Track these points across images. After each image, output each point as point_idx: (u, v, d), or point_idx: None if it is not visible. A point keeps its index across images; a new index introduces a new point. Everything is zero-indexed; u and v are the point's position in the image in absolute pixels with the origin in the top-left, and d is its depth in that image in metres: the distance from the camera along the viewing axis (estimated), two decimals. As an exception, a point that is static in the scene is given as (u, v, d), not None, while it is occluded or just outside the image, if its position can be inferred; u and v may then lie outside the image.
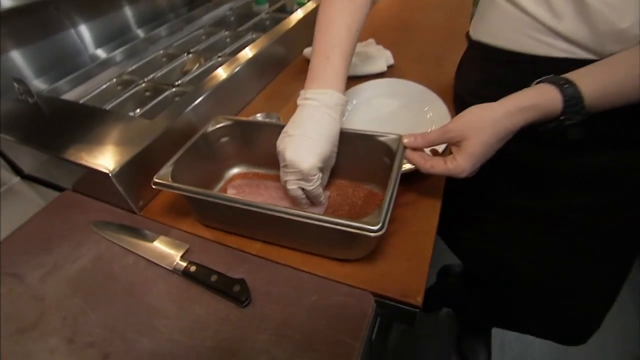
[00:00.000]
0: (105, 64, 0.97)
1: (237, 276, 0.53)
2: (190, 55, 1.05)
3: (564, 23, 0.50)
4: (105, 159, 0.62)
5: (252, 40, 1.02)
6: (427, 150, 0.57)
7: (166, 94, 0.88)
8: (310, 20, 1.05)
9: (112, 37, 1.04)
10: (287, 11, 1.37)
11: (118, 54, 1.00)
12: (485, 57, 0.66)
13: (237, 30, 1.17)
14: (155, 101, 0.86)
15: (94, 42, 1.00)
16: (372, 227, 0.41)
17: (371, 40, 1.08)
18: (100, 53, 1.00)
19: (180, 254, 0.57)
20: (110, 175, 0.60)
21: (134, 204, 0.65)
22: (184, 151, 0.59)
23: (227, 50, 1.06)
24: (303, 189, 0.55)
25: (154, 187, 0.54)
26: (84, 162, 0.62)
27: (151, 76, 0.95)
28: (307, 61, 0.90)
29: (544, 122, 0.48)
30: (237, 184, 0.66)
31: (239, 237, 0.59)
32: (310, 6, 1.16)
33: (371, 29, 1.20)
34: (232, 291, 0.50)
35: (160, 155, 0.60)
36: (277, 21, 1.14)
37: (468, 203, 0.81)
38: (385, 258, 0.53)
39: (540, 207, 0.69)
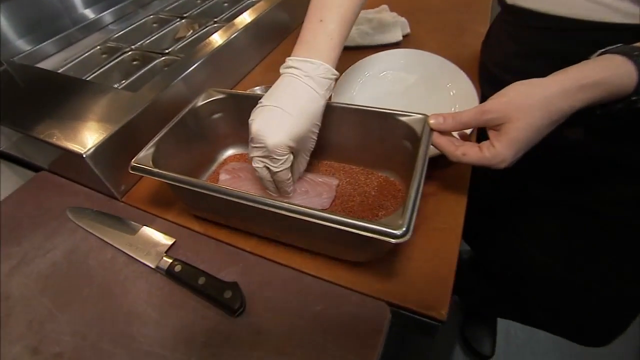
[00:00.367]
0: (88, 29, 0.87)
1: (229, 278, 0.45)
2: (184, 20, 0.95)
3: None
4: (80, 138, 0.54)
5: (252, 4, 0.91)
6: (455, 134, 0.48)
7: (155, 62, 0.79)
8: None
9: (96, -1, 0.94)
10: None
11: (103, 17, 0.90)
12: (524, 25, 0.56)
13: (235, -7, 1.06)
14: (143, 71, 0.77)
15: (77, 3, 0.90)
16: (394, 231, 0.33)
17: (384, 7, 0.97)
18: (84, 15, 0.90)
19: (164, 249, 0.50)
20: (84, 156, 0.52)
21: (115, 188, 0.57)
22: (169, 129, 0.50)
23: (224, 16, 0.95)
24: (269, 170, 0.47)
25: (131, 172, 0.46)
26: (55, 142, 0.54)
27: (139, 43, 0.86)
28: (313, 27, 0.80)
29: (607, 103, 0.39)
30: (231, 167, 0.57)
31: (233, 230, 0.51)
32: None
33: (384, -7, 1.09)
34: (223, 297, 0.42)
35: (144, 133, 0.52)
36: (280, -17, 1.02)
37: (486, 189, 0.73)
38: (403, 260, 0.45)
39: (567, 199, 0.63)
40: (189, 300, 0.45)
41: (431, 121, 0.44)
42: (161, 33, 0.90)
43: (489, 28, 0.73)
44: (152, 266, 0.48)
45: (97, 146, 0.53)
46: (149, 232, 0.52)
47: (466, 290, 1.20)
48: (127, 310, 0.45)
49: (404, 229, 0.33)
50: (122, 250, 0.51)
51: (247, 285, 0.44)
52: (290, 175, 0.48)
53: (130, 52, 0.83)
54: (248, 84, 0.78)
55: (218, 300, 0.42)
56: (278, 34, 0.92)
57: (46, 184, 0.63)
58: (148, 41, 0.87)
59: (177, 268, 0.46)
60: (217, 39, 0.74)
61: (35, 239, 0.54)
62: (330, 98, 0.48)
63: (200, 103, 0.55)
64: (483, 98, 0.63)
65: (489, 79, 0.67)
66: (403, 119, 0.46)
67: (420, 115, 0.45)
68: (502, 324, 1.29)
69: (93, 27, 0.88)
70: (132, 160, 0.46)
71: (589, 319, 0.75)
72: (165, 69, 0.78)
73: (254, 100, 0.55)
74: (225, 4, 1.06)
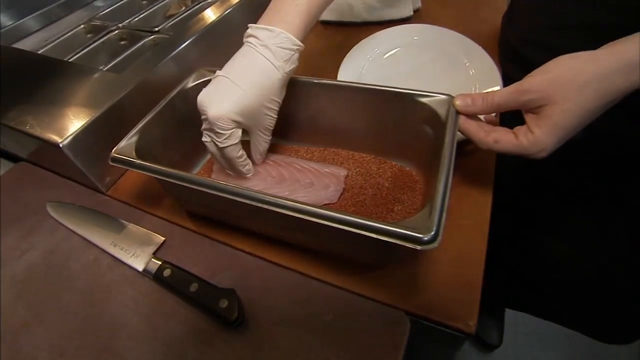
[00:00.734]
0: (71, 6, 0.80)
1: (225, 283, 0.40)
2: (176, -5, 0.87)
3: None
4: (57, 126, 0.48)
5: (250, -23, 0.83)
6: (482, 117, 0.41)
7: (144, 41, 0.72)
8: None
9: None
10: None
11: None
12: None
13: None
14: (131, 51, 0.70)
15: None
16: (422, 236, 0.27)
17: (393, -22, 0.89)
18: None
19: (153, 249, 0.44)
20: (61, 146, 0.46)
21: (98, 181, 0.52)
22: (155, 114, 0.44)
23: (219, -9, 0.87)
24: (216, 145, 0.43)
25: (111, 164, 0.40)
26: (27, 130, 0.48)
27: (127, 21, 0.79)
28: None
29: None
30: (227, 157, 0.51)
31: (229, 228, 0.45)
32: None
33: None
34: (219, 307, 0.37)
35: (130, 118, 0.45)
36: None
37: (507, 180, 0.68)
38: (424, 263, 0.40)
39: (597, 190, 0.58)
40: (180, 309, 0.39)
41: (457, 102, 0.38)
42: (151, 10, 0.83)
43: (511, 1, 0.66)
44: (140, 269, 0.43)
45: (76, 134, 0.47)
46: (136, 230, 0.47)
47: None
48: (111, 320, 0.40)
49: (432, 233, 0.27)
50: (106, 251, 0.45)
51: (245, 292, 0.39)
52: (241, 153, 0.44)
53: (117, 31, 0.77)
54: (245, 65, 0.71)
55: (213, 310, 0.37)
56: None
57: (25, 175, 0.57)
58: (137, 19, 0.80)
59: (167, 272, 0.40)
60: (211, 15, 0.67)
61: (10, 238, 0.49)
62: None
63: (190, 84, 0.49)
64: (505, 78, 0.56)
65: (513, 57, 0.60)
66: (424, 100, 0.40)
67: (444, 96, 0.39)
68: (509, 314, 1.26)
69: (76, 3, 0.81)
70: (112, 151, 0.40)
71: (613, 316, 0.71)
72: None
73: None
74: (221, -22, 0.98)
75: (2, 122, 0.49)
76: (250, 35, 0.41)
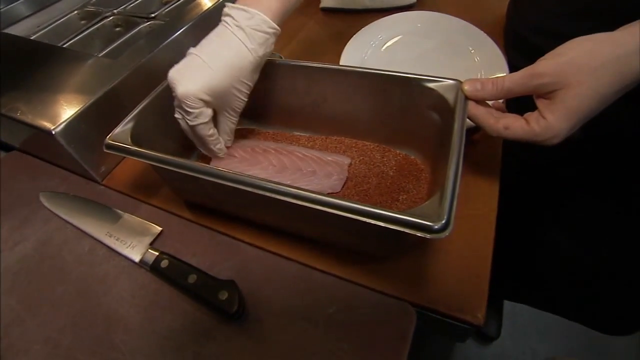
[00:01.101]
0: (64, -10, 0.77)
1: (225, 275, 0.39)
2: (172, -19, 0.85)
3: None
4: (50, 113, 0.46)
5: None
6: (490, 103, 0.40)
7: (139, 28, 0.70)
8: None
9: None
10: None
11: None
12: None
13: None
14: (126, 37, 0.68)
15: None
16: (432, 225, 0.26)
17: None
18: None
19: (150, 240, 0.43)
20: (53, 133, 0.44)
21: (93, 170, 0.50)
22: (151, 100, 0.43)
23: (217, -24, 0.85)
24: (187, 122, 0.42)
25: (106, 151, 0.38)
26: (18, 117, 0.46)
27: (122, 7, 0.76)
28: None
29: None
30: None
31: (229, 218, 0.44)
32: None
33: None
34: (218, 299, 0.35)
35: (126, 105, 0.44)
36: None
37: (511, 170, 0.67)
38: (430, 254, 0.38)
39: (604, 184, 0.57)
40: (178, 301, 0.38)
41: (466, 87, 0.37)
42: (147, -4, 0.81)
43: None
44: (136, 260, 0.41)
45: (69, 121, 0.45)
46: (132, 220, 0.45)
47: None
48: (107, 312, 0.38)
49: (443, 221, 0.26)
50: (101, 242, 0.44)
51: (246, 284, 0.38)
52: (212, 132, 0.43)
53: (112, 17, 0.74)
54: (244, 52, 0.69)
55: (212, 302, 0.36)
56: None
57: (17, 165, 0.56)
58: (132, 5, 0.78)
59: (164, 263, 0.39)
60: (206, 1, 0.66)
61: (2, 230, 0.47)
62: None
63: (188, 70, 0.47)
64: (510, 65, 0.55)
65: (519, 45, 0.59)
66: (431, 85, 0.38)
67: (452, 81, 0.38)
68: (508, 306, 1.27)
69: (69, -12, 0.78)
70: (107, 137, 0.39)
71: (614, 308, 0.71)
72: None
73: (251, 65, 0.47)
74: (218, -35, 0.96)
75: (-7, 108, 0.48)
76: (227, 15, 0.41)
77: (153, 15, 0.72)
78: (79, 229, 0.46)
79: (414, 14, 0.69)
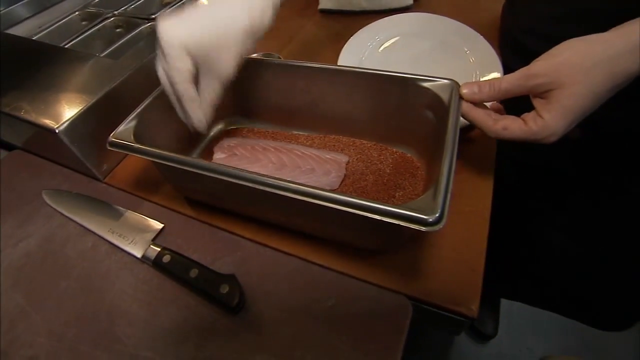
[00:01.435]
0: (65, -8, 0.78)
1: (225, 269, 0.39)
2: (172, -17, 0.86)
3: None
4: (53, 112, 0.47)
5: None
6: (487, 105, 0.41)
7: (140, 29, 0.71)
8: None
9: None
10: None
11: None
12: None
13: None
14: (127, 38, 0.69)
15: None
16: (426, 217, 0.27)
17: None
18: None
19: (152, 236, 0.44)
20: (57, 131, 0.45)
21: (96, 168, 0.51)
22: (153, 99, 0.44)
23: (217, -22, 0.86)
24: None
25: (109, 148, 0.39)
26: (22, 115, 0.47)
27: (123, 8, 0.77)
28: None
29: None
30: (226, 144, 0.51)
31: (229, 214, 0.45)
32: None
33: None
34: (219, 292, 0.36)
35: (127, 104, 0.44)
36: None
37: (505, 168, 0.68)
38: (426, 248, 0.40)
39: (597, 179, 0.57)
40: (181, 295, 0.39)
41: (464, 91, 0.38)
42: (147, -3, 0.82)
43: None
44: (138, 256, 0.42)
45: (73, 120, 0.46)
46: (134, 216, 0.46)
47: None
48: (110, 306, 0.39)
49: (437, 214, 0.27)
50: (104, 238, 0.45)
51: (246, 278, 0.39)
52: (194, 95, 0.40)
53: (112, 18, 0.75)
54: (244, 52, 0.70)
55: (213, 296, 0.37)
56: (276, -2, 0.84)
57: (20, 164, 0.57)
58: (132, 6, 0.79)
59: (166, 258, 0.40)
60: (207, 2, 0.66)
61: (6, 227, 0.48)
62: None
63: (189, 69, 0.48)
64: (505, 68, 0.56)
65: (514, 48, 0.60)
66: (426, 84, 0.39)
67: (447, 81, 0.39)
68: (504, 304, 1.27)
69: (70, -11, 0.79)
70: (111, 135, 0.40)
71: (609, 304, 0.72)
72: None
73: (251, 65, 0.48)
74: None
75: (-4, 107, 0.49)
76: None
77: (154, 16, 0.72)
78: (81, 225, 0.47)
79: (410, 15, 0.70)
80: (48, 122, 0.45)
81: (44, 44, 0.64)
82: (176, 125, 0.47)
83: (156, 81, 0.46)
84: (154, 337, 0.37)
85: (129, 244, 0.43)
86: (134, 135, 0.39)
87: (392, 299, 0.36)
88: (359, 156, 0.48)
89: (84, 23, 0.77)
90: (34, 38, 0.70)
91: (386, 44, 0.65)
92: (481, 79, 0.55)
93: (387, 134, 0.47)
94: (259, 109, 0.52)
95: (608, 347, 1.16)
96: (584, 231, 0.65)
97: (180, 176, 0.41)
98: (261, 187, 0.31)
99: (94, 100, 0.48)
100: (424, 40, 0.65)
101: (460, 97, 0.38)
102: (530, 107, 0.37)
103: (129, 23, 0.74)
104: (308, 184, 0.31)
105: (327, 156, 0.46)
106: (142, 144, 0.38)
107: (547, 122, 0.34)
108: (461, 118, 0.37)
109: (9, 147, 0.60)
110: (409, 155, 0.47)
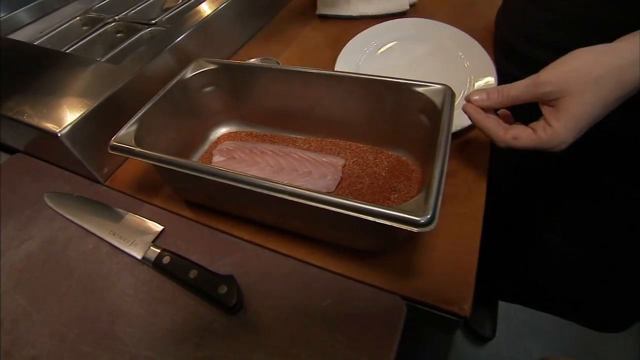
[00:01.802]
0: (66, -3, 0.79)
1: (224, 270, 0.40)
2: (172, -11, 0.87)
3: None
4: (55, 116, 0.48)
5: (246, -29, 0.84)
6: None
7: (140, 34, 0.72)
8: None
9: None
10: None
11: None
12: None
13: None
14: (127, 43, 0.70)
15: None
16: (418, 219, 0.28)
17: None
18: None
19: (152, 237, 0.45)
20: (59, 135, 0.46)
21: (97, 171, 0.52)
22: (154, 104, 0.45)
23: (216, -16, 0.87)
24: None
25: (111, 152, 0.40)
26: (25, 120, 0.48)
27: (123, 14, 0.78)
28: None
29: None
30: (225, 147, 0.52)
31: (228, 216, 0.45)
32: None
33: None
34: (218, 293, 0.37)
35: (128, 109, 0.46)
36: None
37: (499, 171, 0.69)
38: (420, 249, 0.40)
39: (594, 181, 0.58)
40: (180, 295, 0.40)
41: (475, 97, 0.39)
42: (147, 3, 0.83)
43: None
44: (139, 257, 0.43)
45: (74, 124, 0.47)
46: (135, 219, 0.47)
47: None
48: (111, 307, 0.40)
49: (428, 215, 0.28)
50: (105, 240, 0.46)
51: (244, 279, 0.39)
52: None
53: (113, 23, 0.76)
54: (243, 56, 0.71)
55: (212, 296, 0.37)
56: (275, 2, 0.85)
57: (22, 167, 0.57)
58: (133, 11, 0.80)
59: (166, 259, 0.41)
60: (206, 8, 0.68)
61: (8, 229, 0.49)
62: None
63: (189, 75, 0.49)
64: (499, 73, 0.57)
65: (508, 54, 0.61)
66: (420, 89, 0.40)
67: (440, 86, 0.40)
68: (502, 306, 1.28)
69: (72, -5, 0.80)
70: (112, 139, 0.40)
71: (606, 305, 0.72)
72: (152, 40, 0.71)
73: (250, 71, 0.49)
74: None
75: (0, 112, 0.49)
76: None
77: (154, 21, 0.74)
78: (82, 228, 0.47)
79: (406, 20, 0.71)
80: (50, 126, 0.46)
81: (45, 49, 0.65)
82: (176, 130, 0.48)
83: (155, 87, 0.47)
84: (154, 336, 0.37)
85: (130, 245, 0.44)
86: (135, 139, 0.40)
87: (387, 299, 0.37)
88: (355, 159, 0.49)
89: (85, 28, 0.78)
90: (35, 43, 0.71)
91: (383, 49, 0.66)
92: (475, 84, 0.56)
93: (382, 138, 0.48)
94: (257, 113, 0.53)
95: (606, 350, 1.16)
96: (579, 232, 0.66)
97: (180, 179, 0.42)
98: (259, 190, 0.32)
99: (95, 105, 0.49)
100: (420, 45, 0.66)
101: (468, 101, 0.39)
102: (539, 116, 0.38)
103: (129, 28, 0.75)
104: (305, 186, 0.32)
105: (324, 159, 0.47)
106: (142, 148, 0.39)
107: (556, 130, 0.35)
108: (454, 122, 0.38)
109: (11, 150, 0.61)
110: (404, 158, 0.48)
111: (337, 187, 0.46)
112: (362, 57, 0.63)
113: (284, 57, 0.71)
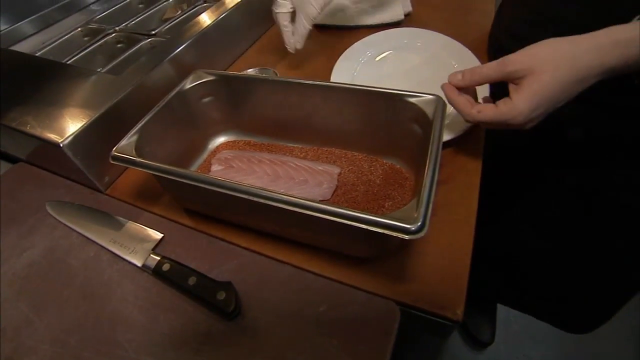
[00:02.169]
0: (68, 9, 0.81)
1: (222, 277, 0.41)
2: (171, 0, 0.89)
3: None
4: (57, 126, 0.49)
5: (244, -18, 0.85)
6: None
7: (141, 44, 0.73)
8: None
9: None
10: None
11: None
12: None
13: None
14: (128, 53, 0.72)
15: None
16: (408, 226, 0.29)
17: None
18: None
19: (152, 245, 0.46)
20: (61, 145, 0.47)
21: (98, 180, 0.53)
22: (154, 115, 0.46)
23: (215, -5, 0.89)
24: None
25: (112, 162, 0.41)
26: (28, 130, 0.49)
27: (124, 24, 0.80)
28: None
29: None
30: (223, 156, 0.53)
31: (226, 224, 0.46)
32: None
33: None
34: (216, 299, 0.38)
35: (129, 119, 0.47)
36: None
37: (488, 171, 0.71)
38: (413, 256, 0.41)
39: (571, 180, 0.60)
40: (179, 302, 0.41)
41: (451, 78, 0.43)
42: (147, 14, 0.85)
43: None
44: (139, 265, 0.44)
45: (76, 134, 0.48)
46: (135, 227, 0.48)
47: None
48: (111, 313, 0.41)
49: (419, 223, 0.29)
50: (105, 248, 0.47)
51: (242, 285, 0.40)
52: (288, 24, 0.63)
53: (114, 34, 0.78)
54: (240, 66, 0.73)
55: (211, 302, 0.38)
56: (272, 14, 0.87)
57: (24, 176, 0.58)
58: (133, 22, 0.82)
59: (166, 267, 0.42)
60: (206, 19, 0.69)
61: (10, 237, 0.50)
62: None
63: (188, 85, 0.50)
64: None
65: (498, 55, 0.62)
66: (412, 100, 0.42)
67: (431, 96, 0.41)
68: (502, 311, 1.28)
69: (73, 6, 0.81)
70: (113, 150, 0.42)
71: (576, 305, 0.74)
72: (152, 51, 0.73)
73: (247, 82, 0.51)
74: (216, -17, 1.00)
75: (3, 122, 0.50)
76: None
77: (154, 32, 0.75)
78: (84, 236, 0.48)
79: (401, 30, 0.73)
80: (53, 137, 0.47)
81: (47, 61, 0.66)
82: (175, 140, 0.49)
83: (155, 97, 0.48)
84: (153, 342, 0.38)
85: (130, 253, 0.45)
86: (136, 149, 0.41)
87: (381, 304, 0.38)
88: (350, 167, 0.50)
89: (86, 39, 0.80)
90: (37, 54, 0.72)
91: (378, 58, 0.67)
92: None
93: (377, 146, 0.49)
94: (255, 122, 0.55)
95: (603, 356, 1.16)
96: (555, 234, 0.67)
97: (180, 188, 0.43)
98: (256, 199, 0.33)
99: (96, 115, 0.50)
100: (414, 54, 0.67)
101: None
102: None
103: (130, 39, 0.77)
104: (301, 195, 0.33)
105: (320, 168, 0.48)
106: (143, 157, 0.40)
107: (514, 103, 0.38)
108: (445, 132, 0.40)
109: (13, 159, 0.62)
110: (398, 166, 0.49)
111: (332, 195, 0.47)
112: (357, 67, 0.65)
113: (281, 66, 0.72)
